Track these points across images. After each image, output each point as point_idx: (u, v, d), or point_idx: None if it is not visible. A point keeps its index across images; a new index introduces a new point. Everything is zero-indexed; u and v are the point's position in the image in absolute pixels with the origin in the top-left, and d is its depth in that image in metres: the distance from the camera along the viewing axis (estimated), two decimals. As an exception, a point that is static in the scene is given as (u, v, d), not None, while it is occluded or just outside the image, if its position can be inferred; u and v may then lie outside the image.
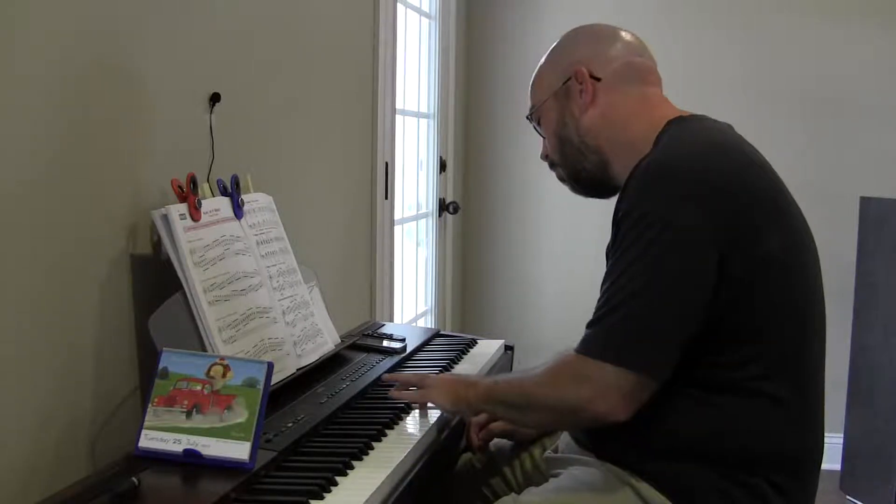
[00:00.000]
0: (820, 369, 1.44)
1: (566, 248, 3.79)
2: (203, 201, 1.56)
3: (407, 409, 1.60)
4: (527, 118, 1.64)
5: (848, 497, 3.29)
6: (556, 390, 1.39)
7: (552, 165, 1.63)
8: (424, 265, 3.56)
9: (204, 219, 1.55)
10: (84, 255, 1.40)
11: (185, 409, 1.29)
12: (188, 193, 1.52)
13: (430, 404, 1.60)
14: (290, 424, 1.43)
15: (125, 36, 1.47)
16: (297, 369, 1.65)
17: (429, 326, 3.35)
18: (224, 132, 1.74)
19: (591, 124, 1.53)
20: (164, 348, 1.34)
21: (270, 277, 1.67)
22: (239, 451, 1.25)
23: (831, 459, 2.85)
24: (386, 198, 2.77)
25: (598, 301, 1.36)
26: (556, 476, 1.52)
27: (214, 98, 1.71)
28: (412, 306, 3.39)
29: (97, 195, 1.43)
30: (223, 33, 1.77)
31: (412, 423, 1.56)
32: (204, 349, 1.46)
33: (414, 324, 3.32)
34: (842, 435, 3.28)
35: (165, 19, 1.57)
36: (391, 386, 1.65)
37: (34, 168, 1.29)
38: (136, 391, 1.49)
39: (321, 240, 2.31)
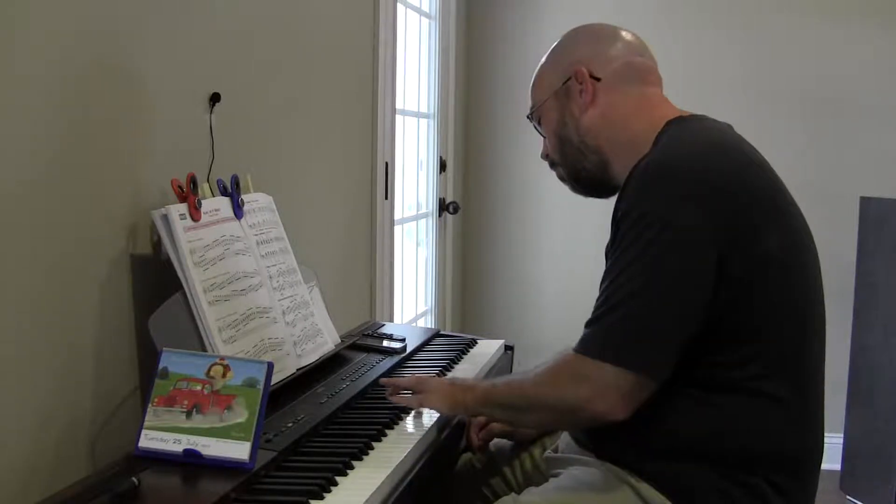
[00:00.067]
0: (820, 369, 1.44)
1: (566, 247, 3.79)
2: (203, 201, 1.56)
3: (407, 409, 1.59)
4: (527, 118, 1.64)
5: (848, 497, 3.29)
6: (555, 390, 1.39)
7: (552, 165, 1.63)
8: (424, 265, 3.56)
9: (204, 219, 1.55)
10: (84, 255, 1.40)
11: (185, 409, 1.29)
12: (188, 193, 1.52)
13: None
14: (290, 424, 1.43)
15: (125, 36, 1.47)
16: (297, 369, 1.65)
17: (429, 326, 3.35)
18: (224, 132, 1.74)
19: (591, 124, 1.53)
20: (164, 348, 1.34)
21: (270, 277, 1.67)
22: (239, 451, 1.25)
23: (831, 459, 2.85)
24: (386, 198, 2.77)
25: (597, 300, 1.36)
26: (556, 476, 1.52)
27: (214, 98, 1.71)
28: (412, 306, 3.39)
29: (97, 195, 1.43)
30: (223, 33, 1.77)
31: (412, 423, 1.56)
32: (204, 349, 1.47)
33: (414, 324, 3.32)
34: (842, 435, 3.28)
35: (165, 19, 1.57)
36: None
37: (34, 168, 1.29)
38: (136, 391, 1.49)
39: (321, 240, 2.31)
